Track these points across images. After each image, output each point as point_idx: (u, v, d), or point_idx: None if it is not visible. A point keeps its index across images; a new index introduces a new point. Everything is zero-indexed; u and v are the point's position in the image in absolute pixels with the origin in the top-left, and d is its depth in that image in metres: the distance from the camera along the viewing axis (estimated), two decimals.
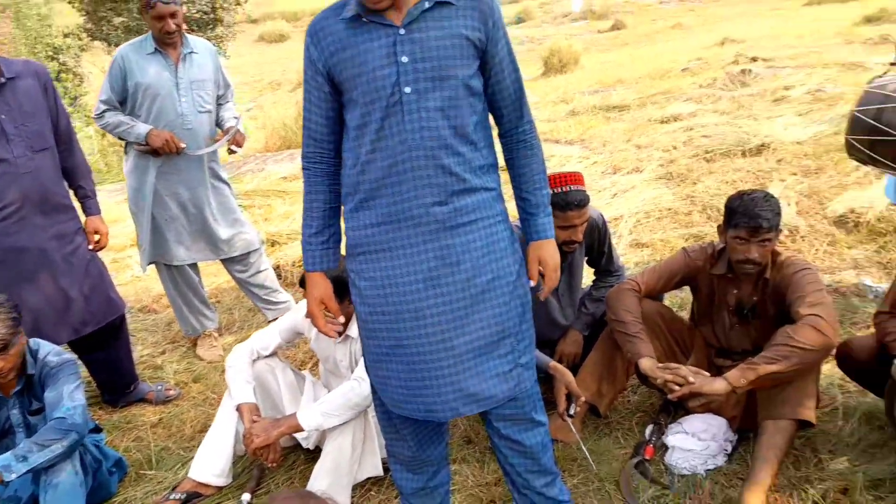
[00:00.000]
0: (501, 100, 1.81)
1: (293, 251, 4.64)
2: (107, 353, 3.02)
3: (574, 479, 2.46)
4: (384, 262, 1.72)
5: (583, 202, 2.51)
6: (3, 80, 2.62)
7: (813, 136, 5.48)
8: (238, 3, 12.37)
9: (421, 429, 1.93)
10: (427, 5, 1.64)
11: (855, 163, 4.81)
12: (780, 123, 5.95)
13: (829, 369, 2.78)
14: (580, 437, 2.60)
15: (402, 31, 1.64)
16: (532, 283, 1.94)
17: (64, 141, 2.86)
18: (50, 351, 2.41)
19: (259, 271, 3.58)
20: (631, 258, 4.07)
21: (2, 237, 2.64)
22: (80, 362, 2.86)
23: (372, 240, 1.72)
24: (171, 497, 2.47)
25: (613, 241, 2.97)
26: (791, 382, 2.32)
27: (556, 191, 2.51)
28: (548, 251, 1.93)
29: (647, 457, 2.51)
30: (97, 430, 2.65)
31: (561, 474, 2.15)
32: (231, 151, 3.37)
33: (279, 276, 4.17)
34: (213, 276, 4.40)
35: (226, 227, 3.42)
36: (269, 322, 3.62)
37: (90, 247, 2.93)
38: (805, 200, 4.44)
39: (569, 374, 2.54)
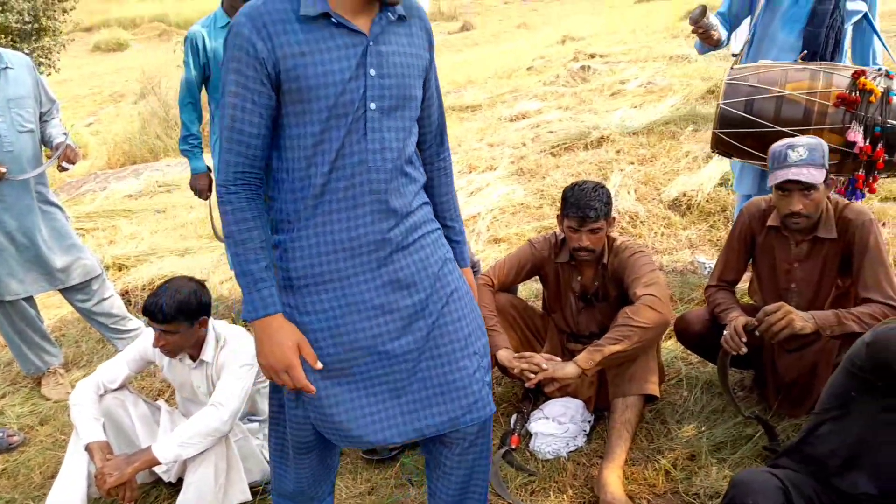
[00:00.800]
0: (427, 125, 1.74)
1: (142, 274, 4.39)
2: None
3: None
4: (333, 293, 1.58)
5: None
6: None
7: (646, 127, 5.91)
8: (65, 11, 11.48)
9: (318, 463, 1.83)
10: (391, 17, 1.54)
11: (685, 149, 5.27)
12: (617, 116, 6.36)
13: (672, 344, 3.02)
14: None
15: (371, 42, 1.50)
16: None
17: None
18: None
19: (103, 299, 3.36)
20: (489, 254, 4.21)
21: None
22: None
23: (320, 269, 1.56)
24: None
25: (471, 239, 3.06)
26: (635, 360, 2.50)
27: None
28: (472, 279, 1.88)
29: (513, 446, 2.61)
30: None
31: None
32: (62, 169, 3.12)
33: (128, 303, 3.94)
34: (56, 309, 4.08)
35: (61, 255, 3.18)
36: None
37: None
38: (642, 187, 4.78)
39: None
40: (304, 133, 1.50)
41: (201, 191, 3.48)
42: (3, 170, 2.90)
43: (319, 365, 1.58)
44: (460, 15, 21.48)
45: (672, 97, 6.75)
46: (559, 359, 2.48)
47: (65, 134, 3.18)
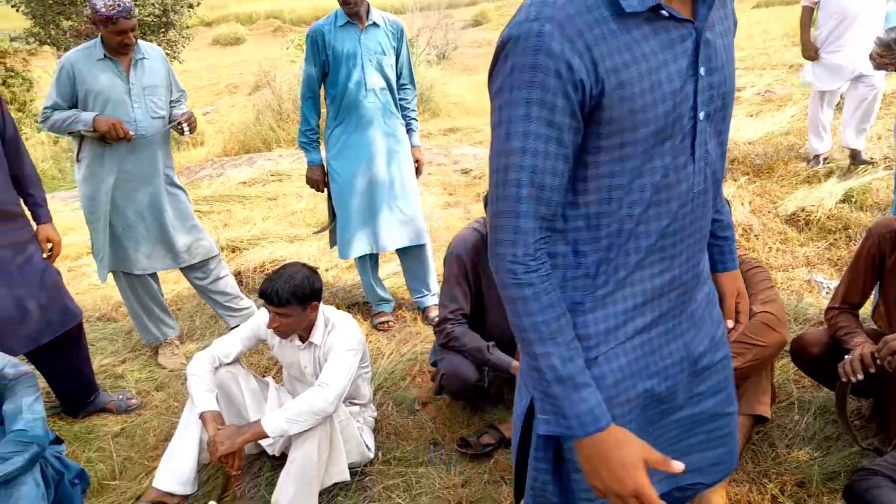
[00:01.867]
0: None
1: (253, 256, 4.60)
2: (65, 362, 2.96)
3: None
4: (640, 351, 1.26)
5: None
6: None
7: (764, 136, 5.65)
8: (190, 6, 12.18)
9: None
10: None
11: (803, 164, 5.00)
12: (732, 124, 6.11)
13: (785, 365, 2.88)
14: None
15: (699, 31, 1.13)
16: (730, 325, 1.52)
17: (11, 150, 2.79)
18: (6, 363, 2.35)
19: (219, 278, 3.55)
20: None
21: None
22: (37, 373, 2.80)
23: (624, 329, 1.24)
24: None
25: None
26: (746, 379, 2.40)
27: None
28: (741, 283, 1.57)
29: None
30: (58, 441, 2.60)
31: None
32: (181, 131, 3.29)
33: (240, 283, 4.13)
34: (174, 284, 4.34)
35: (184, 235, 3.38)
36: (231, 329, 3.59)
37: (44, 255, 2.87)
38: (757, 199, 4.58)
39: None
40: (619, 171, 1.13)
41: (316, 182, 3.60)
42: (132, 133, 3.10)
43: (680, 467, 1.15)
44: None
45: (792, 107, 6.43)
46: None
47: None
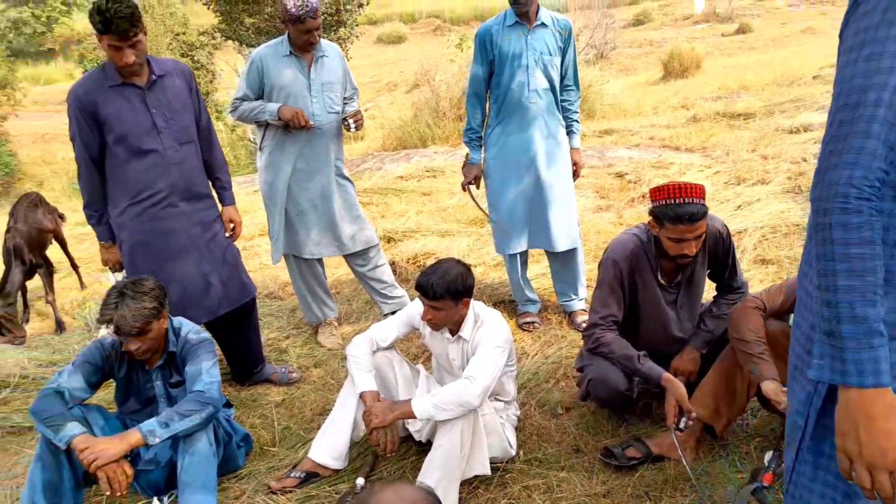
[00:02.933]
0: None
1: (407, 248, 4.78)
2: (238, 333, 3.23)
3: (685, 500, 2.41)
4: None
5: (695, 217, 2.45)
6: (153, 77, 2.86)
7: None
8: (360, 5, 12.77)
9: None
10: None
11: None
12: None
13: None
14: (691, 455, 2.54)
15: None
16: None
17: (205, 136, 3.09)
18: (191, 329, 2.61)
19: (377, 266, 3.72)
20: (755, 275, 3.92)
21: (154, 221, 2.90)
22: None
23: None
24: (292, 475, 2.63)
25: (738, 256, 2.88)
26: None
27: (669, 201, 2.48)
28: None
29: (766, 483, 2.42)
30: (228, 405, 2.85)
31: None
32: (347, 128, 3.47)
33: (394, 272, 4.30)
34: (334, 268, 4.60)
35: (349, 224, 3.58)
36: (384, 315, 3.76)
37: (226, 235, 3.15)
38: None
39: (682, 388, 2.49)
40: None
41: (476, 178, 3.67)
42: (312, 123, 3.32)
43: None
44: (737, 17, 20.09)
45: None
46: None
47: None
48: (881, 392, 1.05)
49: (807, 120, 6.63)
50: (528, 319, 3.72)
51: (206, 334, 2.63)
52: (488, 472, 2.50)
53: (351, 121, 3.45)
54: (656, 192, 2.54)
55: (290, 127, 3.31)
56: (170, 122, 2.89)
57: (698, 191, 2.49)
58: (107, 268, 3.13)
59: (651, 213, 2.56)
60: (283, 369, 3.42)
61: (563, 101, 3.55)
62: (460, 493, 2.43)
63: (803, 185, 4.99)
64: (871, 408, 1.05)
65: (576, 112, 3.61)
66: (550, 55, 3.40)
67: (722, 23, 20.25)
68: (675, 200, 2.46)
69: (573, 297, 3.73)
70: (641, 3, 25.24)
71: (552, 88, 3.46)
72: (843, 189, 1.07)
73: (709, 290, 2.91)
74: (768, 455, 2.55)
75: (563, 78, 3.52)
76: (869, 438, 1.06)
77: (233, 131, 12.78)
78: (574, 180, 3.64)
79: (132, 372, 2.58)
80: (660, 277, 2.70)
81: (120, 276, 3.11)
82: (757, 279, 3.85)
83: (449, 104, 8.77)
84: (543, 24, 3.40)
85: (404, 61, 18.42)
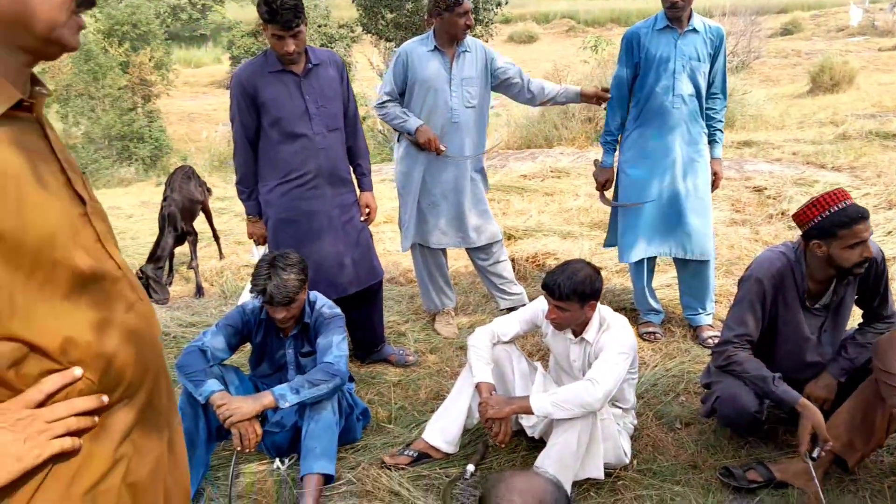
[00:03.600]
0: None
1: (527, 246, 4.78)
2: (364, 313, 3.37)
3: None
4: None
5: (866, 213, 2.35)
6: (310, 66, 3.02)
7: None
8: (499, 5, 12.86)
9: None
10: None
11: None
12: None
13: None
14: (820, 486, 2.39)
15: None
16: None
17: (350, 124, 3.23)
18: (325, 304, 2.75)
19: (499, 261, 3.75)
20: None
21: (299, 201, 3.07)
22: None
23: None
24: (406, 453, 2.71)
25: (890, 284, 2.68)
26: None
27: (834, 209, 2.37)
28: None
29: None
30: (350, 379, 2.98)
31: None
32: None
33: (513, 270, 4.32)
34: (454, 260, 4.68)
35: (476, 218, 3.63)
36: (500, 310, 3.79)
37: (362, 218, 3.28)
38: None
39: (818, 415, 2.35)
40: None
41: (601, 182, 3.63)
42: (443, 149, 3.40)
43: None
44: None
45: None
46: None
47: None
48: None
49: None
50: (650, 329, 3.63)
51: (338, 310, 2.76)
52: (602, 475, 2.48)
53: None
54: (810, 210, 2.43)
55: (422, 148, 3.41)
56: (321, 108, 3.04)
57: (848, 195, 2.39)
58: (252, 241, 3.34)
59: (810, 233, 2.43)
60: (401, 351, 3.52)
61: (707, 108, 3.44)
62: (571, 492, 2.42)
63: None
64: None
65: (720, 121, 3.49)
66: (699, 61, 3.31)
67: (880, 36, 18.76)
68: (836, 206, 2.37)
69: (700, 311, 3.60)
70: (792, 12, 23.81)
71: (698, 95, 3.36)
72: None
73: (854, 318, 2.73)
74: None
75: (710, 85, 3.41)
76: None
77: (363, 120, 13.21)
78: (713, 191, 3.52)
79: (268, 338, 2.75)
80: (806, 300, 2.56)
81: (263, 249, 3.31)
82: None
83: (578, 105, 8.67)
84: (695, 30, 3.30)
85: (535, 60, 18.35)
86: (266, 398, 2.45)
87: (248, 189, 3.16)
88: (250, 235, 3.28)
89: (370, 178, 3.35)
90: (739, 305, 2.59)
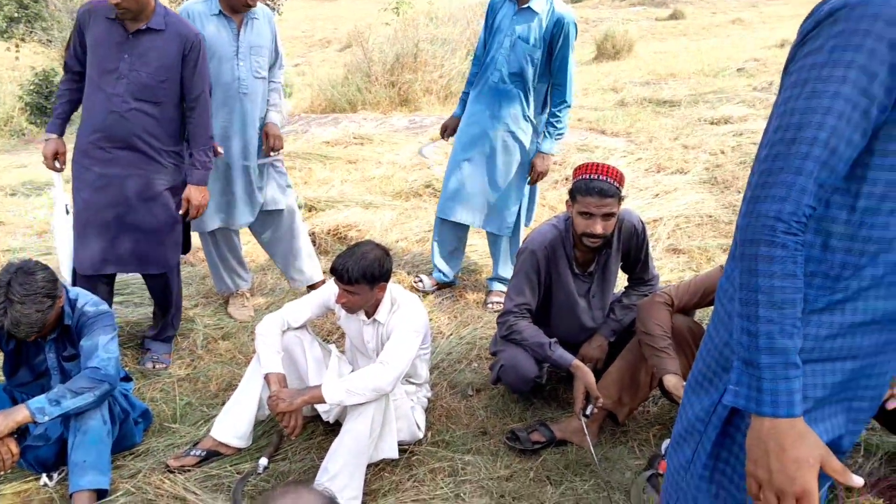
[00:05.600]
0: None
1: (329, 219, 4.68)
2: (154, 292, 3.17)
3: (585, 484, 2.48)
4: (837, 376, 1.20)
5: (604, 192, 2.51)
6: (142, 27, 2.77)
7: None
8: None
9: None
10: None
11: None
12: None
13: None
14: (593, 441, 2.61)
15: None
16: None
17: (191, 107, 2.94)
18: (88, 301, 2.47)
19: (293, 238, 3.61)
20: (666, 264, 4.04)
21: (91, 159, 2.87)
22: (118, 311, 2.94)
23: (841, 343, 1.18)
24: (192, 453, 2.55)
25: (651, 246, 2.94)
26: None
27: (584, 177, 2.56)
28: None
29: (661, 471, 2.51)
30: (127, 379, 2.73)
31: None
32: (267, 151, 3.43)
33: (314, 244, 4.20)
34: (249, 235, 4.45)
35: (269, 191, 3.47)
36: (295, 288, 3.68)
37: (180, 212, 3.00)
38: None
39: (590, 375, 2.55)
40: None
41: (445, 128, 3.76)
42: (220, 151, 3.17)
43: (860, 481, 1.10)
44: (672, 1, 20.47)
45: None
46: None
47: (277, 100, 3.46)
48: (793, 422, 1.08)
49: (728, 112, 6.83)
50: (423, 279, 3.83)
51: (105, 306, 2.50)
52: (396, 455, 2.50)
53: (272, 153, 3.43)
54: (577, 170, 2.63)
55: None
56: (132, 73, 2.80)
57: (615, 174, 2.56)
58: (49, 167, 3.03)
59: (569, 191, 2.62)
60: (155, 356, 3.21)
61: (549, 99, 3.48)
62: (365, 475, 2.41)
63: (719, 177, 5.16)
64: (783, 437, 1.08)
65: (555, 116, 3.43)
66: (529, 44, 3.29)
67: (657, 6, 20.57)
68: (590, 176, 2.55)
69: (494, 277, 3.76)
70: None
71: (522, 78, 3.36)
72: (771, 223, 1.09)
73: (620, 282, 2.98)
74: (665, 443, 2.64)
75: (552, 75, 3.38)
76: (780, 466, 1.08)
77: None
78: (530, 184, 3.62)
79: (22, 343, 2.43)
80: (574, 267, 2.74)
81: (59, 181, 3.08)
82: (668, 268, 3.97)
83: (381, 69, 8.60)
84: (532, 10, 3.29)
85: (339, 18, 17.91)
86: (20, 413, 2.17)
87: (59, 108, 2.97)
88: (44, 154, 2.99)
89: (202, 172, 3.00)
90: (517, 277, 2.72)
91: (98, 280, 2.94)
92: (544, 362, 2.70)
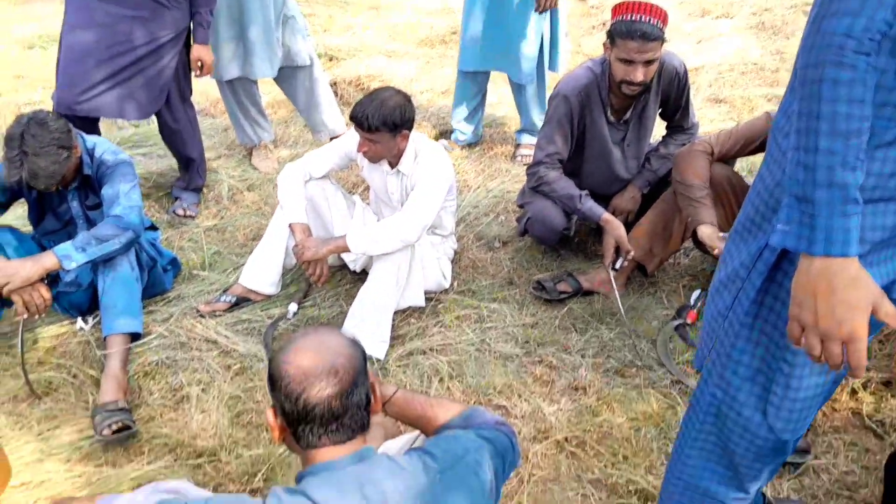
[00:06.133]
0: None
1: (350, 68, 4.49)
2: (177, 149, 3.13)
3: (611, 333, 2.49)
4: (885, 218, 1.10)
5: (647, 36, 2.30)
6: None
7: None
8: None
9: None
10: None
11: None
12: None
13: None
14: (620, 291, 2.58)
15: None
16: None
17: None
18: (106, 150, 2.41)
19: (315, 87, 3.47)
20: (706, 114, 3.83)
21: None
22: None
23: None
24: (223, 299, 2.59)
25: (692, 94, 2.76)
26: None
27: (624, 17, 2.33)
28: None
29: (690, 321, 2.50)
30: (153, 228, 2.74)
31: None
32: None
33: (335, 95, 4.05)
34: (271, 85, 4.30)
35: (288, 39, 3.27)
36: (318, 139, 3.59)
37: (195, 73, 2.91)
38: None
39: (621, 228, 2.48)
40: None
41: None
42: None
43: None
44: None
45: None
46: None
47: None
48: (847, 262, 0.99)
49: None
50: (444, 143, 3.66)
51: (124, 154, 2.44)
52: (422, 303, 2.51)
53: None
54: (616, 9, 2.38)
55: None
56: None
57: (659, 13, 2.34)
58: None
59: (607, 32, 2.41)
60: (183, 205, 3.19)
61: None
62: (392, 321, 2.44)
63: (768, 22, 4.79)
64: (834, 278, 0.99)
65: None
66: None
67: None
68: (631, 16, 2.32)
69: (522, 129, 3.61)
70: None
71: None
72: (841, 41, 0.95)
73: (658, 130, 2.82)
74: (695, 294, 2.62)
75: None
76: (827, 309, 1.00)
77: None
78: (539, 11, 3.33)
79: (44, 192, 2.41)
80: (609, 114, 2.59)
81: None
82: (708, 119, 3.77)
83: None
84: None
85: None
86: (48, 259, 2.18)
87: None
88: None
89: (206, 31, 2.85)
90: (549, 125, 2.58)
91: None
92: (573, 214, 2.62)
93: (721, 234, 2.28)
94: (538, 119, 3.49)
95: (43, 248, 2.46)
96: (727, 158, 2.51)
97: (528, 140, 3.57)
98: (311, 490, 1.08)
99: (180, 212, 3.14)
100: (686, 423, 1.42)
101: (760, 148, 2.46)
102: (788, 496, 1.93)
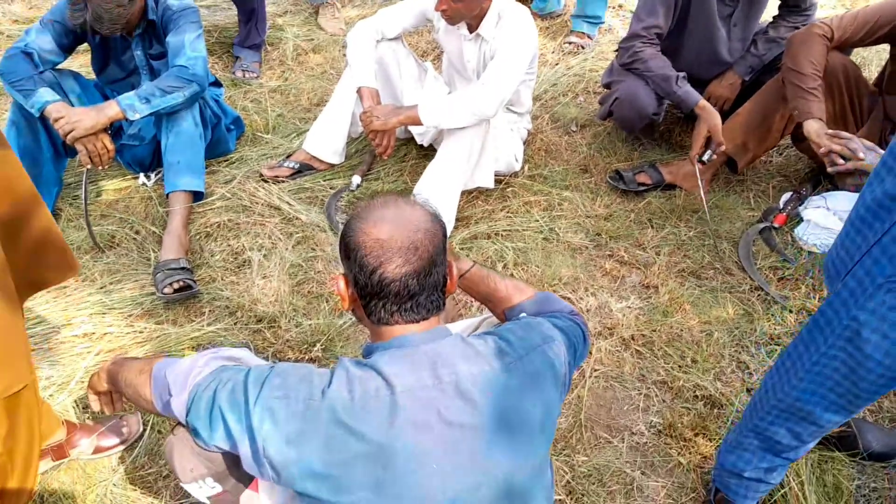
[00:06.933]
0: None
1: None
2: None
3: (690, 231, 2.33)
4: None
5: None
6: None
7: None
8: None
9: None
10: None
11: None
12: None
13: None
14: (705, 188, 2.40)
15: None
16: None
17: None
18: None
19: None
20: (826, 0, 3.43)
21: None
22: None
23: None
24: (286, 164, 2.51)
25: None
26: None
27: None
28: None
29: (777, 224, 2.32)
30: (217, 84, 2.63)
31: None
32: None
33: None
34: None
35: None
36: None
37: None
38: None
39: (716, 117, 2.25)
40: None
41: None
42: None
43: None
44: None
45: None
46: (881, 150, 2.02)
47: None
48: None
49: None
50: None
51: (190, 1, 2.29)
52: (491, 185, 2.38)
53: None
54: None
55: None
56: None
57: None
58: None
59: None
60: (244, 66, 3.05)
61: None
62: (459, 201, 2.33)
63: None
64: None
65: None
66: None
67: None
68: None
69: (578, 14, 3.28)
70: None
71: None
72: None
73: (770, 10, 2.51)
74: (786, 196, 2.43)
75: None
76: None
77: None
78: None
79: (108, 38, 2.30)
80: None
81: None
82: (830, 5, 3.36)
83: None
84: None
85: None
86: (111, 109, 2.10)
87: None
88: None
89: None
90: None
91: None
92: (666, 98, 2.40)
93: (829, 132, 2.04)
94: (601, 7, 3.20)
95: (105, 98, 2.38)
96: (848, 45, 2.21)
97: (583, 28, 3.25)
98: (382, 365, 1.02)
99: (240, 73, 3.02)
100: (804, 344, 1.29)
101: (886, 38, 2.15)
102: (864, 417, 1.83)
